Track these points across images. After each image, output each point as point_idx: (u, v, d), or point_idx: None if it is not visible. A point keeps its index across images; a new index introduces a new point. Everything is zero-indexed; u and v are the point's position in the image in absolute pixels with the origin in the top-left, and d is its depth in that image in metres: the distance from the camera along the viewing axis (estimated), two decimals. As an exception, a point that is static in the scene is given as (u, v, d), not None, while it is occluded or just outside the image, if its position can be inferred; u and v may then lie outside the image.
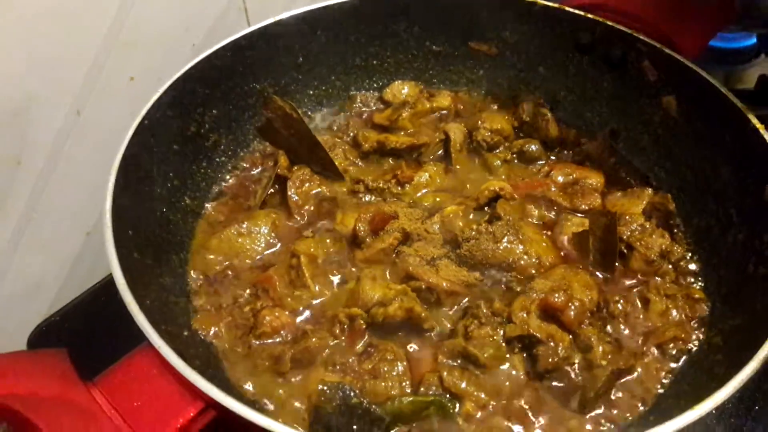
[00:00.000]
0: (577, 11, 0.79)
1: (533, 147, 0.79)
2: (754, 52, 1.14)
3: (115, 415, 0.46)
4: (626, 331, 0.63)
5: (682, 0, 0.80)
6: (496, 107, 0.85)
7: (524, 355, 0.60)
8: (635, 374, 0.60)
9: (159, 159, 0.68)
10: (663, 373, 0.60)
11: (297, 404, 0.56)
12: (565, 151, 0.81)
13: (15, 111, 0.72)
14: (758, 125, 0.66)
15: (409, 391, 0.57)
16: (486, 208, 0.73)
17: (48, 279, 0.85)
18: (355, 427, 0.54)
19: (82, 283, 0.85)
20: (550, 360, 0.59)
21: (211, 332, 0.61)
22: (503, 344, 0.60)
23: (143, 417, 0.46)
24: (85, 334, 0.76)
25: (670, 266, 0.68)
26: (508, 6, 0.81)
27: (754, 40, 1.11)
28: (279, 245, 0.69)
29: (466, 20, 0.84)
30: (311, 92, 0.85)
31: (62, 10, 0.71)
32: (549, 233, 0.71)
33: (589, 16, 0.78)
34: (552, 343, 0.59)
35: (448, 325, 0.62)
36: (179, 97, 0.71)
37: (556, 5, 0.80)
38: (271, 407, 0.56)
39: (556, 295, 0.61)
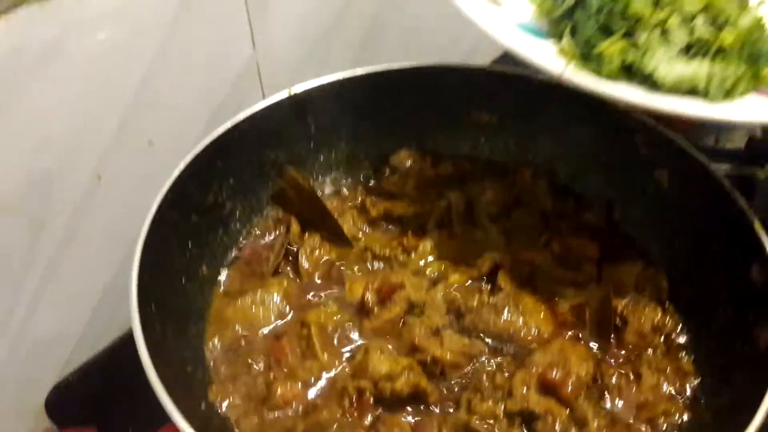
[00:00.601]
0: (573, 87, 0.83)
1: (531, 218, 0.83)
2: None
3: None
4: (620, 405, 0.67)
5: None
6: (496, 176, 0.89)
7: (524, 429, 0.64)
8: (628, 449, 0.63)
9: (180, 232, 0.72)
10: (654, 449, 0.64)
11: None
12: (562, 222, 0.84)
13: (41, 179, 0.76)
14: (744, 206, 0.70)
15: (414, 463, 0.61)
16: (486, 278, 0.77)
17: (66, 335, 0.88)
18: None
19: (98, 340, 0.88)
20: (548, 435, 0.63)
21: (227, 403, 0.64)
22: (504, 419, 0.63)
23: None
24: (104, 392, 0.79)
25: (662, 339, 0.72)
26: (507, 80, 0.86)
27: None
28: (291, 314, 0.73)
29: (469, 92, 0.89)
30: (322, 158, 0.89)
31: (91, 77, 0.75)
32: (548, 304, 0.75)
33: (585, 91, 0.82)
34: (550, 418, 0.63)
35: (452, 399, 0.66)
36: (199, 170, 0.74)
37: (554, 81, 0.84)
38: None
39: (555, 370, 0.65)
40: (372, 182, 0.90)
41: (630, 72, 0.63)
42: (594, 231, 0.83)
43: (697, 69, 0.61)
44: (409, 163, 0.91)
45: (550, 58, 0.66)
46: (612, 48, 0.62)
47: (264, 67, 0.96)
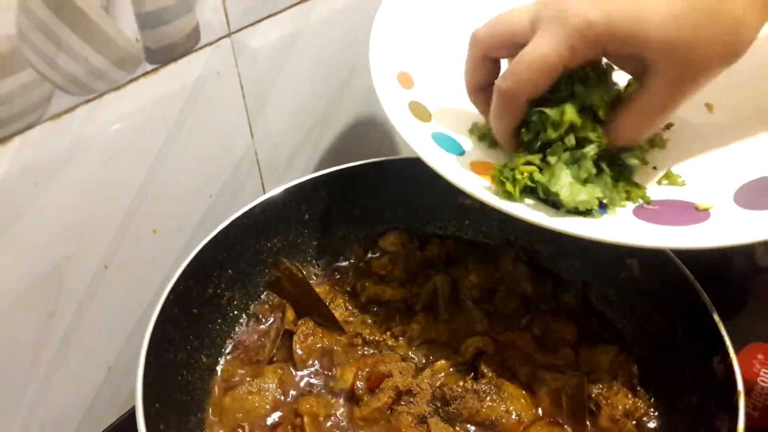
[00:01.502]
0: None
1: (512, 300, 0.89)
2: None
3: None
4: (594, 491, 0.71)
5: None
6: (479, 258, 0.94)
7: None
8: None
9: (181, 326, 0.77)
10: None
11: None
12: (542, 304, 0.90)
13: (51, 273, 0.81)
14: (706, 300, 0.75)
15: None
16: (470, 364, 0.82)
17: (72, 414, 0.93)
18: None
19: (103, 416, 0.93)
20: None
21: (225, 497, 0.69)
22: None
23: None
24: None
25: (634, 422, 0.77)
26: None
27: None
28: (286, 401, 0.78)
29: (454, 180, 0.95)
30: (315, 243, 0.95)
31: (99, 178, 0.81)
32: (528, 389, 0.80)
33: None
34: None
35: (437, 489, 0.70)
36: (200, 266, 0.80)
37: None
38: None
39: (531, 458, 0.70)
40: (362, 264, 0.95)
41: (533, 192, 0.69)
42: (571, 313, 0.88)
43: (591, 192, 0.66)
44: (397, 245, 0.97)
45: (459, 173, 0.71)
46: (526, 168, 0.69)
47: (261, 153, 1.02)
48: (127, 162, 0.83)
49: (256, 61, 0.93)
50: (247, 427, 0.75)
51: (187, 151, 0.90)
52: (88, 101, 0.75)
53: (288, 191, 0.88)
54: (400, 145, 1.24)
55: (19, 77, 0.67)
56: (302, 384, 0.79)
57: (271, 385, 0.78)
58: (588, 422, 0.76)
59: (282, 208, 0.89)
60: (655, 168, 0.76)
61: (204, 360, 0.80)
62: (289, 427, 0.74)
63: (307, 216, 0.92)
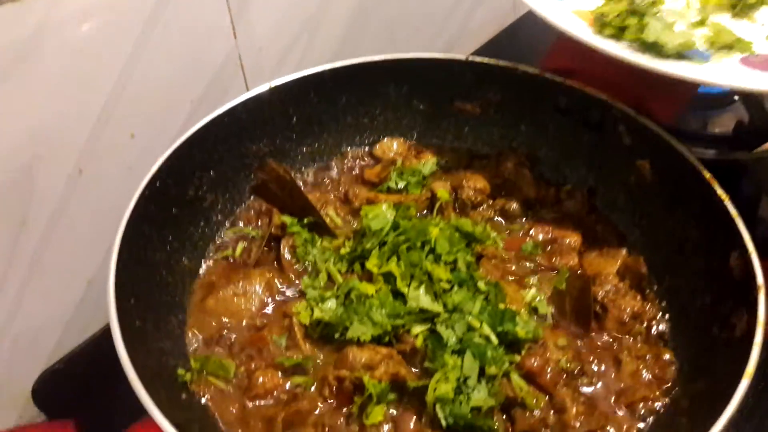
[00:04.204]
0: (555, 78, 0.83)
1: (514, 206, 0.83)
2: (731, 98, 1.19)
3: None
4: (599, 392, 0.67)
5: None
6: (479, 165, 0.89)
7: (503, 416, 0.64)
8: (607, 435, 0.64)
9: (159, 225, 0.72)
10: (632, 434, 0.64)
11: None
12: (545, 209, 0.85)
13: (19, 176, 0.76)
14: (723, 196, 0.70)
15: (394, 453, 0.61)
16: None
17: (51, 326, 0.89)
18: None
19: (84, 330, 0.89)
20: (526, 422, 0.63)
21: (208, 394, 0.65)
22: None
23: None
24: (88, 380, 0.80)
25: (643, 326, 0.72)
26: (490, 71, 0.86)
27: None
28: (272, 305, 0.73)
29: (452, 82, 0.89)
30: (304, 149, 0.89)
31: (68, 73, 0.75)
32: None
33: (567, 82, 0.83)
34: (529, 405, 0.63)
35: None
36: (178, 164, 0.74)
37: (536, 71, 0.84)
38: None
39: (534, 358, 0.66)
40: (355, 173, 0.90)
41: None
42: (576, 219, 0.83)
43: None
44: (392, 152, 0.91)
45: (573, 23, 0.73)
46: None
47: (246, 58, 0.95)
48: (99, 57, 0.77)
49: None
50: (231, 328, 0.71)
51: (163, 49, 0.83)
52: (51, -17, 0.68)
53: (274, 91, 0.82)
54: (399, 43, 1.17)
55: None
56: (290, 289, 0.75)
57: (257, 287, 0.74)
58: (594, 325, 0.72)
59: (267, 109, 0.83)
60: (763, 25, 0.77)
61: (185, 262, 0.75)
62: (276, 328, 0.70)
63: (295, 119, 0.87)
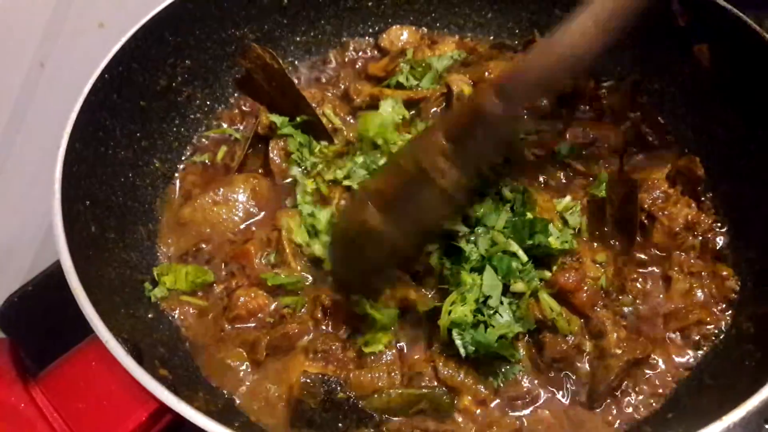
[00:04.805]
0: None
1: (545, 101, 0.71)
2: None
3: (57, 418, 0.40)
4: (645, 315, 0.57)
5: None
6: (504, 57, 0.75)
7: (529, 341, 0.54)
8: (653, 364, 0.54)
9: (123, 118, 0.60)
10: (684, 364, 0.54)
11: (273, 397, 0.51)
12: (582, 106, 0.72)
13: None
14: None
15: (399, 382, 0.51)
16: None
17: (21, 245, 0.80)
18: (340, 425, 0.49)
19: (53, 254, 0.80)
20: (558, 348, 0.53)
21: (179, 314, 0.55)
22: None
23: (88, 420, 0.40)
24: (57, 306, 0.71)
25: (697, 239, 0.61)
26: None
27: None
28: (260, 215, 0.63)
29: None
30: (298, 39, 0.77)
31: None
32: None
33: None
34: (561, 329, 0.53)
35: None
36: (146, 47, 0.63)
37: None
38: (240, 401, 0.51)
39: (567, 275, 0.55)
40: (357, 66, 0.77)
41: None
42: (618, 117, 0.71)
43: None
44: (401, 42, 0.78)
45: None
46: None
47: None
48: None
49: None
50: (210, 241, 0.61)
51: None
52: None
53: (260, -39, 0.69)
54: None
55: None
56: (281, 195, 0.64)
57: (241, 195, 0.63)
58: (639, 238, 0.61)
59: (253, -15, 0.70)
60: None
61: (157, 164, 0.64)
62: (263, 240, 0.60)
63: (286, 1, 0.73)
